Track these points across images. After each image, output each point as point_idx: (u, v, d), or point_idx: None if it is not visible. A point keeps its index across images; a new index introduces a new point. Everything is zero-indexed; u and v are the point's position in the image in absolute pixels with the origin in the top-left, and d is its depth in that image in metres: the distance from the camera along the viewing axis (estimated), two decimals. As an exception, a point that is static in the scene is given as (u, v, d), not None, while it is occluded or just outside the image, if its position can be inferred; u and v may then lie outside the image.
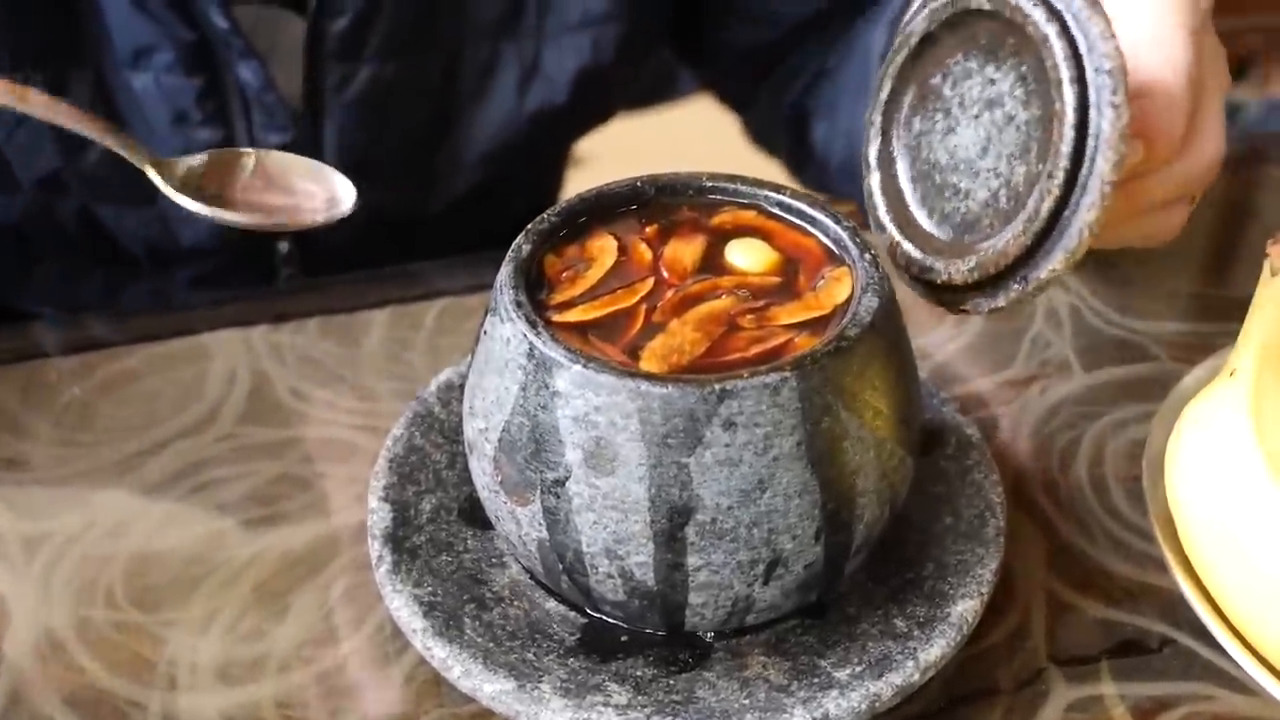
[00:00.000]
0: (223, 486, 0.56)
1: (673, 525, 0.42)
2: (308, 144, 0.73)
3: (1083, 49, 0.45)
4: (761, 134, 0.92)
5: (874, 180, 0.53)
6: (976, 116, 0.49)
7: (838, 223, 0.48)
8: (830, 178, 0.85)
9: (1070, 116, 0.44)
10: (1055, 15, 0.45)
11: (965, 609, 0.47)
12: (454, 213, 0.81)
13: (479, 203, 0.81)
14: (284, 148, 0.72)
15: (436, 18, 0.74)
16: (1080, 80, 0.45)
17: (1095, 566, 0.53)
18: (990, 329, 0.65)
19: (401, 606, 0.47)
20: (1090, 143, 0.44)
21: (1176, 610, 0.51)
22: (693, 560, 0.43)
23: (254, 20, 0.71)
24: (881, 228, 0.53)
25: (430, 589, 0.48)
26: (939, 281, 0.50)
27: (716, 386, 0.41)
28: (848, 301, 0.45)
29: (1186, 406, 0.52)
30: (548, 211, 0.48)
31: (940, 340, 0.65)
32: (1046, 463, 0.58)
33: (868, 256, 0.46)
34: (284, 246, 0.78)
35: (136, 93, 0.70)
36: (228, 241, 0.76)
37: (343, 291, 0.68)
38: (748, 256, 0.47)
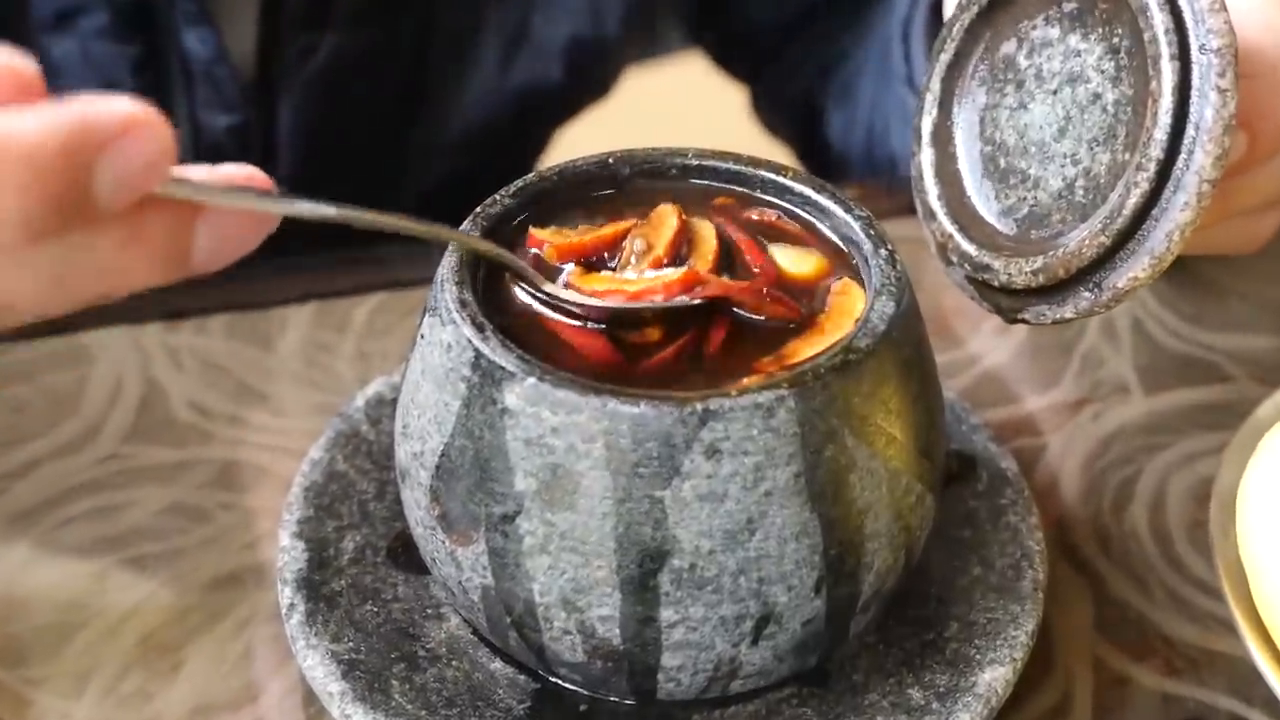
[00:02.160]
0: (104, 517, 0.56)
1: (643, 572, 0.43)
2: (259, 127, 0.74)
3: (1188, 21, 0.46)
4: (772, 116, 0.93)
5: (926, 158, 0.54)
6: (1055, 92, 0.50)
7: (848, 211, 0.48)
8: (850, 175, 0.86)
9: (1168, 99, 0.45)
10: None
11: (994, 678, 0.48)
12: (427, 207, 0.81)
13: (456, 195, 0.82)
14: (232, 131, 0.73)
15: None
16: (1182, 58, 0.45)
17: (1153, 629, 0.54)
18: (1034, 342, 0.66)
19: (316, 665, 0.48)
20: (1189, 132, 0.45)
21: (1248, 683, 0.51)
22: (667, 614, 0.43)
23: None
24: (932, 215, 0.54)
25: (351, 644, 0.49)
26: (996, 284, 0.50)
27: (698, 406, 0.41)
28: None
29: (1264, 437, 0.52)
30: (501, 192, 0.49)
31: (972, 354, 0.65)
32: (1097, 503, 0.58)
33: (883, 252, 0.47)
34: None
35: (56, 63, 0.70)
36: None
37: (254, 283, 0.68)
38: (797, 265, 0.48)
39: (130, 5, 0.68)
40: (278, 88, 0.73)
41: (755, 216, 0.50)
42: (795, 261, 0.48)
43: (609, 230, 0.48)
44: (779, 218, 0.50)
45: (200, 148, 0.73)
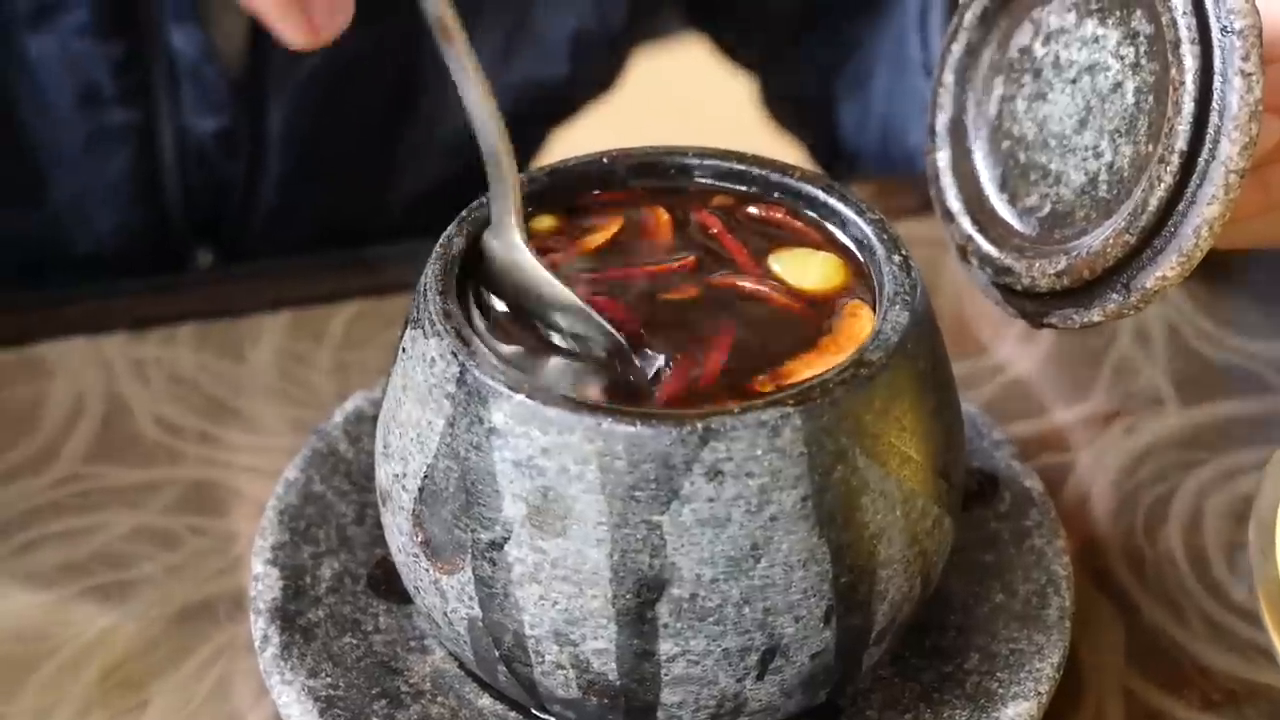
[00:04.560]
0: (64, 543, 0.57)
1: (641, 602, 0.43)
2: (247, 130, 0.74)
3: (1208, 2, 0.46)
4: (781, 108, 0.94)
5: (942, 157, 0.54)
6: (1073, 81, 0.50)
7: (860, 214, 0.49)
8: (864, 171, 0.86)
9: (1189, 86, 0.46)
10: None
11: (1018, 713, 0.48)
12: (419, 212, 0.82)
13: (449, 200, 0.82)
14: (219, 135, 0.73)
15: None
16: (1203, 41, 0.46)
17: (1189, 660, 0.54)
18: (1061, 350, 0.66)
19: (292, 702, 0.48)
20: (1213, 120, 0.46)
21: (1291, 717, 0.52)
22: (666, 647, 0.44)
23: None
24: (950, 217, 0.54)
25: (329, 679, 0.49)
26: (1019, 287, 0.51)
27: (699, 425, 0.42)
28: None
29: (1307, 454, 0.53)
30: (488, 194, 0.49)
31: (995, 364, 0.66)
32: (1129, 524, 0.59)
33: (897, 258, 0.47)
34: (205, 256, 0.79)
35: (32, 62, 0.71)
36: (132, 251, 0.77)
37: (224, 289, 0.69)
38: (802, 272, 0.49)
39: (114, 1, 0.69)
40: (268, 88, 0.73)
41: (758, 212, 0.50)
42: (799, 271, 0.48)
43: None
44: (786, 214, 0.50)
45: (185, 152, 0.74)
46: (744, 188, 0.51)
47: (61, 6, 0.69)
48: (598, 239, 0.49)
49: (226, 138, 0.74)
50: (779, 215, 0.50)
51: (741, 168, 0.51)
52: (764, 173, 0.51)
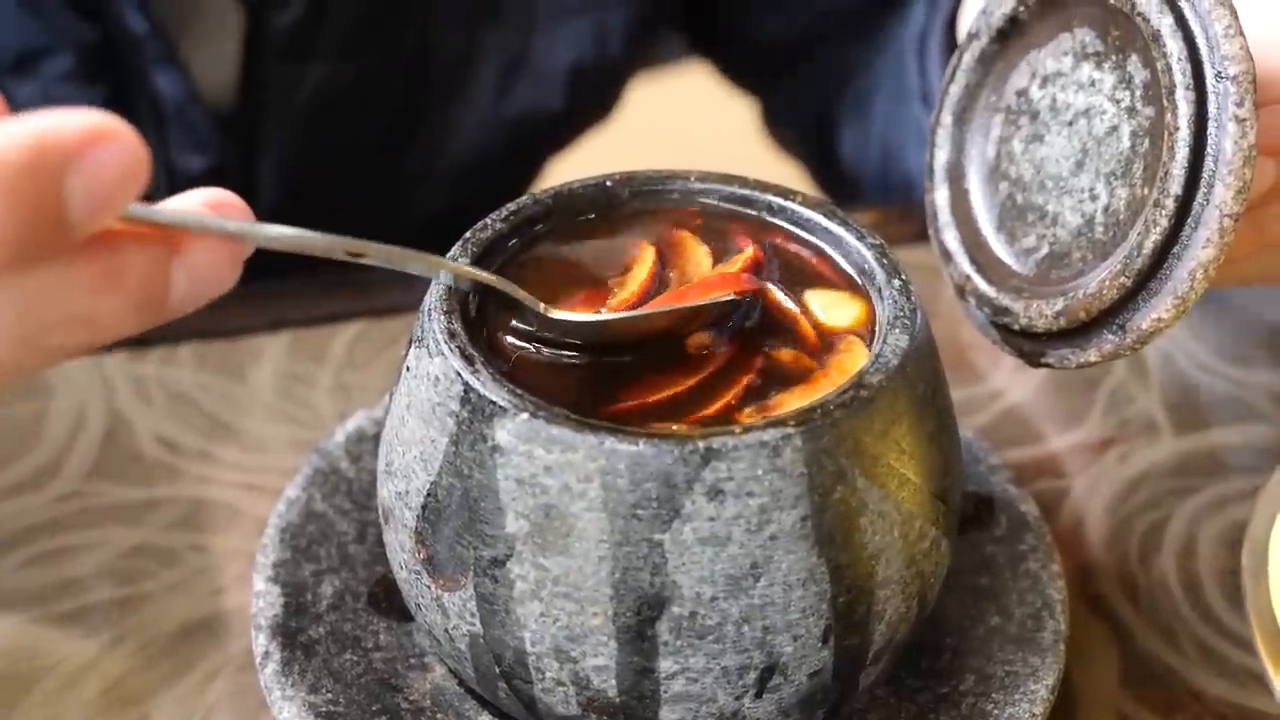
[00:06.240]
0: (65, 559, 0.57)
1: (641, 620, 0.44)
2: (237, 168, 0.75)
3: (1202, 49, 0.47)
4: (782, 132, 0.95)
5: (941, 196, 0.55)
6: (1070, 124, 0.51)
7: (861, 239, 0.50)
8: (863, 194, 0.87)
9: (1184, 131, 0.47)
10: (1171, 5, 0.47)
11: (1013, 734, 0.49)
12: (416, 242, 0.83)
13: (447, 229, 0.83)
14: (208, 173, 0.74)
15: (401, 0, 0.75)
16: (1198, 87, 0.47)
17: (1182, 684, 0.55)
18: (1057, 378, 0.67)
19: (293, 717, 0.49)
20: (1208, 164, 0.46)
21: (1283, 742, 0.52)
22: (666, 665, 0.45)
23: (172, 10, 0.72)
24: (949, 256, 0.55)
25: (330, 695, 0.50)
26: (1017, 327, 0.52)
27: (700, 445, 0.42)
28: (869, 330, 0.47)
29: (1299, 481, 0.53)
30: (492, 216, 0.50)
31: (991, 391, 0.66)
32: (1123, 550, 0.59)
33: (896, 283, 0.48)
34: None
35: (16, 109, 0.71)
36: None
37: (224, 310, 0.69)
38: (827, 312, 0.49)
39: (96, 46, 0.70)
40: (260, 123, 0.74)
41: (780, 243, 0.51)
42: (830, 310, 0.49)
43: (643, 275, 0.49)
44: (817, 257, 0.51)
45: (175, 192, 0.75)
46: (747, 210, 0.52)
47: (43, 54, 0.69)
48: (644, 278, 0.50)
49: (216, 175, 0.75)
50: (811, 258, 0.51)
51: (744, 191, 0.52)
52: (765, 197, 0.52)
